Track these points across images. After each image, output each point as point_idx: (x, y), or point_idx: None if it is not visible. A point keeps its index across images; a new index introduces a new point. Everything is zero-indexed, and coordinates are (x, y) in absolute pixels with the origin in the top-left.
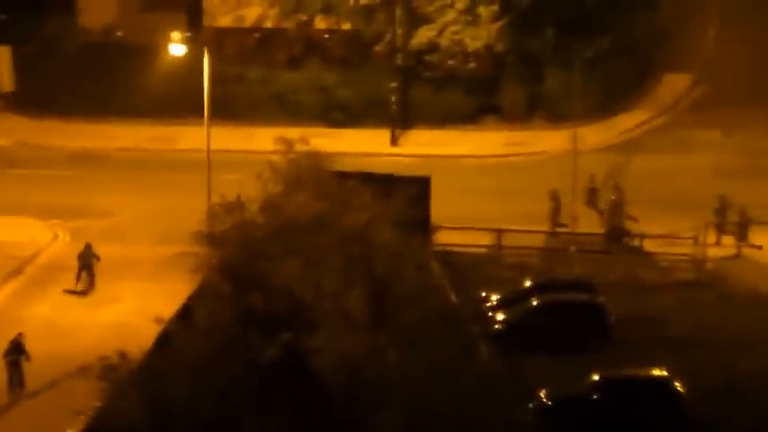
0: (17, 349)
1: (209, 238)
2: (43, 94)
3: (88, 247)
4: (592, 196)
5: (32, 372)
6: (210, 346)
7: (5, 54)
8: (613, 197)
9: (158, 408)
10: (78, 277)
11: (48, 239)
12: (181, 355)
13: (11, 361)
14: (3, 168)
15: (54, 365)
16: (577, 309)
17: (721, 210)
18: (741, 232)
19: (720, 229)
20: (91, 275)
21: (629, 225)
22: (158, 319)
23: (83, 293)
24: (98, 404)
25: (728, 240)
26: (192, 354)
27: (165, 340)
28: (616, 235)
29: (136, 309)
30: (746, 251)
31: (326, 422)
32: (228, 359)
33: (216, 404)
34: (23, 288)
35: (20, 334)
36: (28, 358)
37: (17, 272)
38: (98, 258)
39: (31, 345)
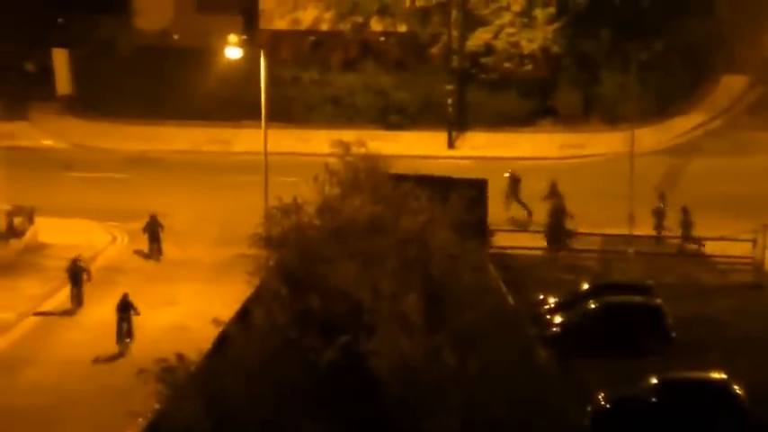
0: (126, 305)
1: (267, 241)
2: (100, 96)
3: (153, 217)
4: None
5: (91, 374)
6: (268, 348)
7: (63, 57)
8: (553, 200)
9: (216, 410)
10: (151, 247)
11: (105, 242)
12: (239, 357)
13: (121, 316)
14: (60, 171)
15: (112, 368)
16: (635, 311)
17: None
18: None
19: None
20: (158, 244)
21: (570, 224)
22: (216, 322)
23: (150, 257)
24: (157, 407)
25: None
26: (249, 356)
27: (223, 343)
28: (557, 235)
29: (194, 311)
30: None
31: (383, 424)
32: (286, 362)
33: (274, 406)
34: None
35: (126, 294)
36: (137, 313)
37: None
38: (162, 227)
39: (89, 348)
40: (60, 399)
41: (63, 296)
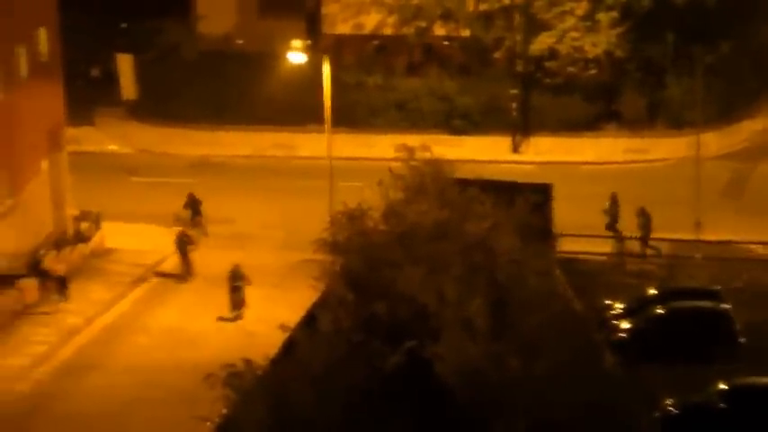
0: (238, 276)
1: (332, 246)
2: (164, 101)
3: (191, 195)
4: None
5: (157, 380)
6: (334, 353)
7: (128, 62)
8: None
9: (283, 415)
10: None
11: (171, 247)
12: (305, 362)
13: (233, 286)
14: (125, 176)
15: (179, 373)
16: (702, 316)
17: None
18: None
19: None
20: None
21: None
22: (283, 327)
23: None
24: (224, 412)
25: None
26: (315, 361)
27: (289, 348)
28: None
29: (260, 316)
30: None
31: (448, 429)
32: (352, 367)
33: (339, 411)
34: (148, 296)
35: (236, 264)
36: (249, 283)
37: (141, 280)
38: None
39: (155, 353)
40: (127, 404)
41: (130, 301)
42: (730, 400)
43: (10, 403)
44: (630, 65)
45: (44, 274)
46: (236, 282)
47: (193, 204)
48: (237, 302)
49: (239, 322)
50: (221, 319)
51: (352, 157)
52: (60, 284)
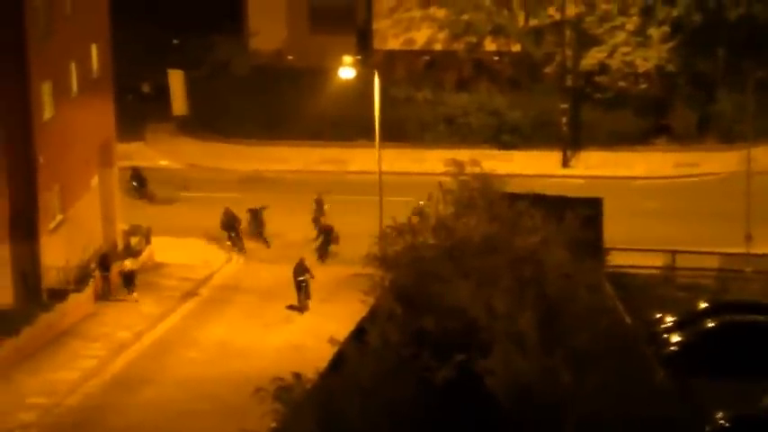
0: (303, 270)
1: (382, 260)
2: (215, 117)
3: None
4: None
5: (207, 393)
6: (383, 367)
7: (179, 78)
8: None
9: (331, 429)
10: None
11: (221, 261)
12: (354, 376)
13: (299, 280)
14: (176, 191)
15: (229, 386)
16: (754, 330)
17: None
18: None
19: None
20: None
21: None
22: (332, 340)
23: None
24: (273, 425)
25: None
26: (364, 375)
27: (338, 362)
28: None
29: (309, 329)
30: None
31: None
32: (401, 381)
33: (388, 425)
34: (198, 310)
35: (302, 258)
36: (312, 276)
37: (192, 293)
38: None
39: (205, 366)
40: (177, 417)
41: (179, 315)
42: None
43: (60, 416)
44: (681, 79)
45: (109, 269)
46: (300, 276)
47: (230, 221)
48: (305, 295)
49: (288, 335)
50: (290, 307)
51: (401, 171)
52: (128, 280)
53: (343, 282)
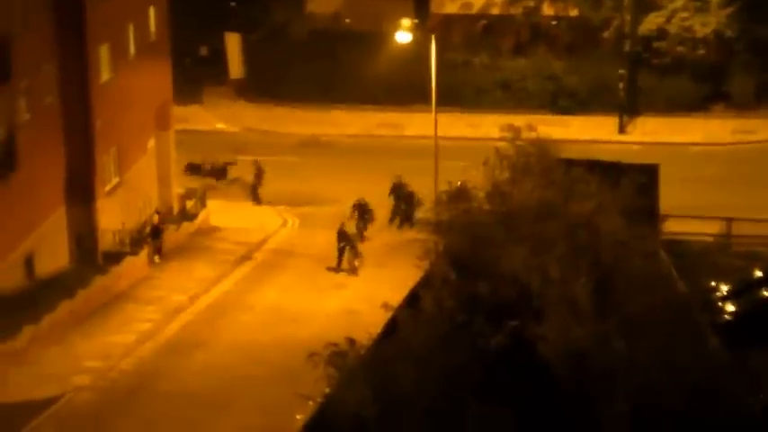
0: (345, 237)
1: (436, 226)
2: (271, 80)
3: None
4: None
5: (261, 357)
6: (436, 333)
7: (236, 41)
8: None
9: (385, 395)
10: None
11: (276, 225)
12: (407, 342)
13: (341, 246)
14: (232, 154)
15: (282, 351)
16: None
17: None
18: None
19: None
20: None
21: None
22: (386, 306)
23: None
24: (326, 390)
25: None
26: (418, 341)
27: (392, 327)
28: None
29: (363, 295)
30: None
31: (551, 410)
32: (454, 347)
33: (441, 391)
34: (253, 274)
35: (343, 223)
36: (352, 245)
37: (246, 257)
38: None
39: (259, 331)
40: (230, 381)
41: (234, 279)
42: None
43: (114, 380)
44: (739, 45)
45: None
46: (341, 242)
47: (259, 175)
48: (347, 259)
49: (341, 301)
50: (329, 269)
51: (457, 136)
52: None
53: (397, 247)
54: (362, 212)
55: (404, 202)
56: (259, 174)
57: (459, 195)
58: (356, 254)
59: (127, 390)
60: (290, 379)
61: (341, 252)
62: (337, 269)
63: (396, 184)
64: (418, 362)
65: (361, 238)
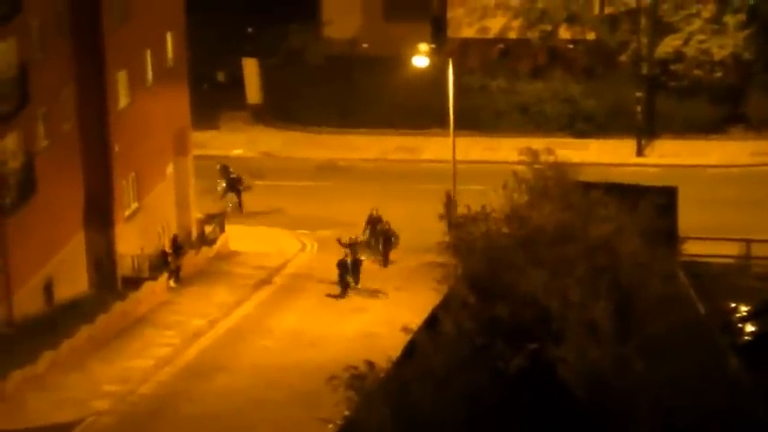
0: (344, 267)
1: (455, 249)
2: (289, 105)
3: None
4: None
5: (280, 381)
6: (456, 356)
7: (254, 67)
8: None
9: (404, 417)
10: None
11: (295, 249)
12: (427, 364)
13: (341, 274)
14: (250, 179)
15: (301, 375)
16: None
17: None
18: None
19: None
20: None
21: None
22: (406, 329)
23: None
24: (346, 413)
25: None
26: (437, 364)
27: (411, 350)
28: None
29: (383, 318)
30: None
31: None
32: (474, 369)
33: (461, 414)
34: (272, 298)
35: (351, 239)
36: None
37: (266, 282)
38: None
39: (278, 355)
40: (250, 405)
41: (253, 303)
42: None
43: (134, 404)
44: (757, 67)
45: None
46: (342, 272)
47: (232, 183)
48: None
49: (361, 324)
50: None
51: (475, 160)
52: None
53: (417, 270)
54: (375, 226)
55: (382, 238)
56: (242, 186)
57: (477, 219)
58: (356, 280)
59: (147, 414)
60: (310, 402)
61: (342, 280)
62: (342, 296)
63: (372, 216)
64: (437, 384)
65: (385, 261)
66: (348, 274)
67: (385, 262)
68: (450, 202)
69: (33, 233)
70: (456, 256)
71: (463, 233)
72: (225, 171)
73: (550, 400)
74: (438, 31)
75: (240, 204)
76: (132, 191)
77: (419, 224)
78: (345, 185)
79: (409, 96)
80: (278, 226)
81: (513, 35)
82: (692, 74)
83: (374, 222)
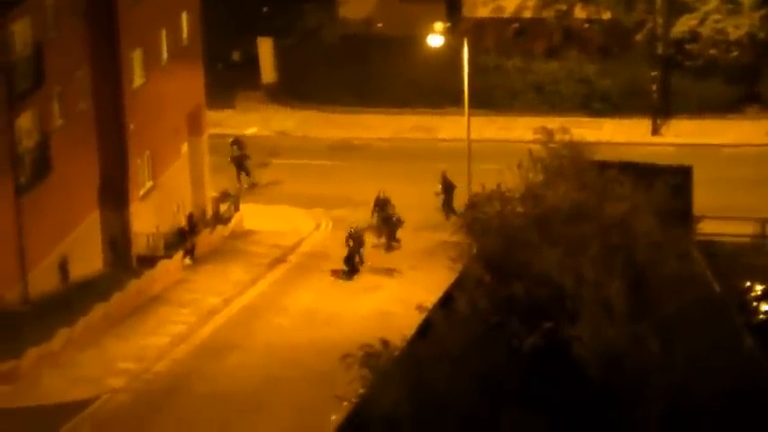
0: (354, 237)
1: (470, 227)
2: (304, 85)
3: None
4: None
5: (295, 359)
6: (471, 334)
7: (269, 46)
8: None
9: (419, 396)
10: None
11: (310, 228)
12: (442, 343)
13: (352, 245)
14: (265, 158)
15: (316, 353)
16: None
17: None
18: None
19: None
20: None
21: None
22: (420, 308)
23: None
24: (361, 391)
25: None
26: (452, 342)
27: (426, 329)
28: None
29: (397, 297)
30: None
31: (585, 410)
32: (488, 348)
33: (476, 392)
34: (286, 276)
35: (351, 231)
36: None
37: (280, 260)
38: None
39: (293, 333)
40: (265, 383)
41: (268, 282)
42: None
43: (149, 382)
44: None
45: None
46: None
47: (239, 160)
48: (360, 259)
49: (375, 302)
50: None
51: (490, 139)
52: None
53: (431, 249)
54: (382, 208)
55: (383, 222)
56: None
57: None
58: (360, 260)
59: (162, 391)
60: (325, 380)
61: (350, 263)
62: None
63: (379, 199)
64: (452, 363)
65: (389, 245)
66: (356, 256)
67: (388, 246)
68: (446, 182)
69: (48, 212)
70: (471, 234)
71: (478, 212)
72: (238, 145)
73: (565, 379)
74: (453, 10)
75: (249, 176)
76: (147, 170)
77: (434, 203)
78: (360, 165)
79: (424, 76)
80: (293, 205)
81: (528, 14)
82: (708, 53)
83: (381, 205)
